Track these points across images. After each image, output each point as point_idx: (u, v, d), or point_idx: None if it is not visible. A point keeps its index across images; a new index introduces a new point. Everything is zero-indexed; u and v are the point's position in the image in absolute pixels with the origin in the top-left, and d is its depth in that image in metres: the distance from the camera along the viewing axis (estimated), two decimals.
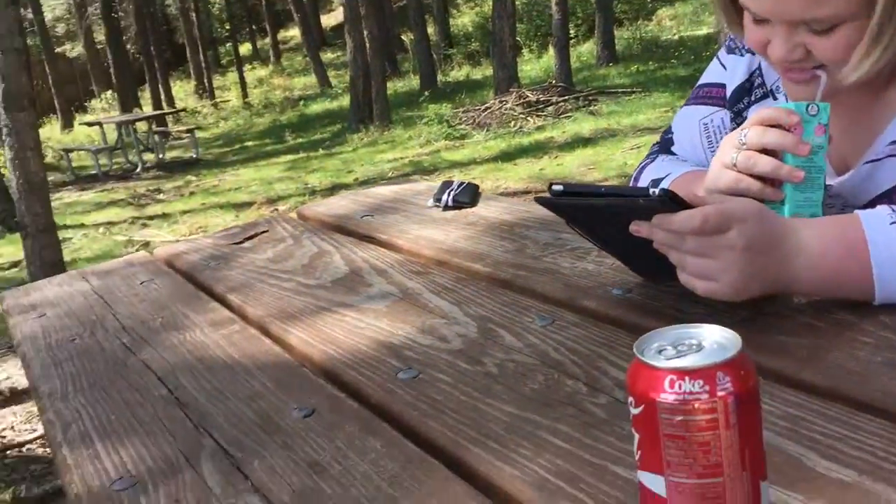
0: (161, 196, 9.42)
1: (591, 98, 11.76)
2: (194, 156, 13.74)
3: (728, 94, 1.17)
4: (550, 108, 11.47)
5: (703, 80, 1.24)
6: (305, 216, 1.77)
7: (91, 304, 1.37)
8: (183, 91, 25.12)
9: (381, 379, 0.90)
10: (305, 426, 0.83)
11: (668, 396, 0.51)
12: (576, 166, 7.88)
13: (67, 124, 21.32)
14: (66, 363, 1.12)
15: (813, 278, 0.85)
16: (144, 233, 7.46)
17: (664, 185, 1.15)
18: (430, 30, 20.09)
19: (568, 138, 9.43)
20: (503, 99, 12.00)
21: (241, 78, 22.89)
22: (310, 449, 0.78)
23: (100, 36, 23.38)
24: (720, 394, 0.51)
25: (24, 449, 3.08)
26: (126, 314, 1.28)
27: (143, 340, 1.16)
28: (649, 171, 1.25)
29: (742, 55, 1.16)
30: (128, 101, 20.05)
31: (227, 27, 28.66)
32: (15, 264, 6.50)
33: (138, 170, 12.80)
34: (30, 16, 19.90)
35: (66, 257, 5.98)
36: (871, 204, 0.95)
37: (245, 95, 22.14)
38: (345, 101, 15.86)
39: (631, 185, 1.28)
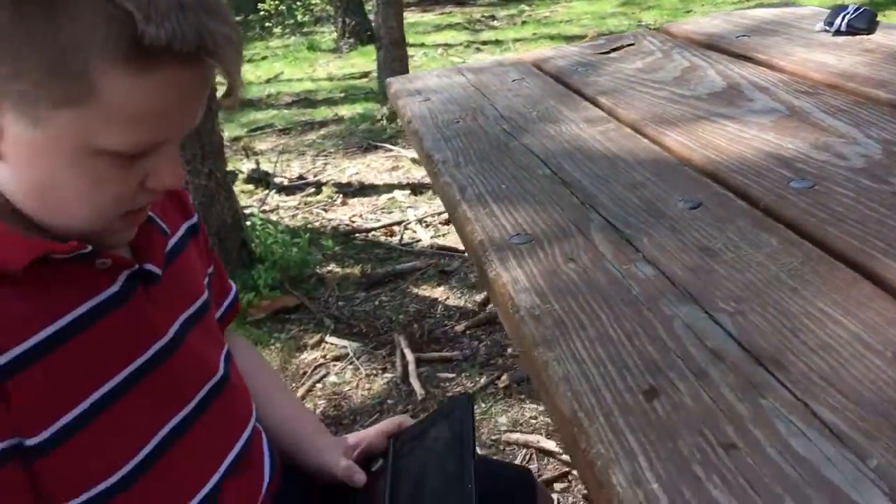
0: (495, 23, 9.61)
1: None
2: None
3: None
4: None
5: None
6: (672, 33, 1.72)
7: (469, 95, 1.47)
8: None
9: (771, 185, 0.88)
10: (692, 216, 0.84)
11: None
12: None
13: None
14: (454, 140, 1.22)
15: None
16: (478, 57, 7.72)
17: None
18: None
19: None
20: None
21: None
22: (699, 235, 0.80)
23: None
24: None
25: (369, 235, 3.48)
26: (503, 105, 1.36)
27: (521, 128, 1.22)
28: None
29: None
30: None
31: None
32: (364, 74, 7.09)
33: None
34: None
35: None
36: None
37: None
38: None
39: None
